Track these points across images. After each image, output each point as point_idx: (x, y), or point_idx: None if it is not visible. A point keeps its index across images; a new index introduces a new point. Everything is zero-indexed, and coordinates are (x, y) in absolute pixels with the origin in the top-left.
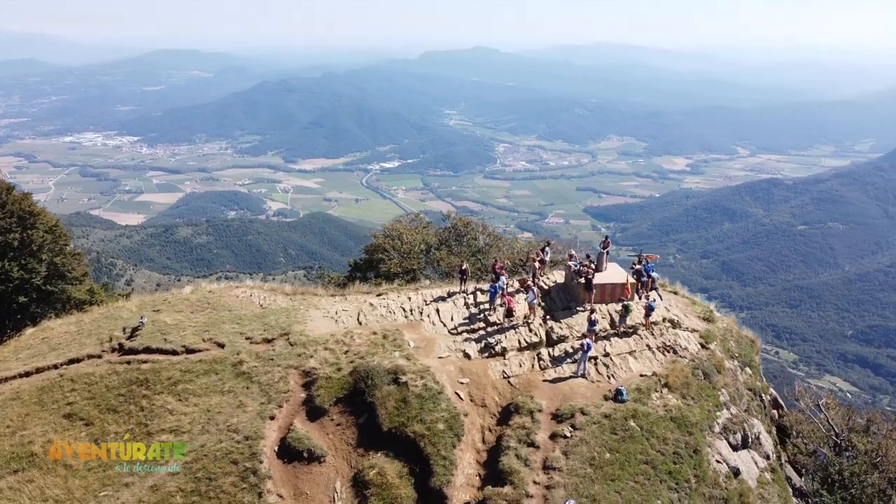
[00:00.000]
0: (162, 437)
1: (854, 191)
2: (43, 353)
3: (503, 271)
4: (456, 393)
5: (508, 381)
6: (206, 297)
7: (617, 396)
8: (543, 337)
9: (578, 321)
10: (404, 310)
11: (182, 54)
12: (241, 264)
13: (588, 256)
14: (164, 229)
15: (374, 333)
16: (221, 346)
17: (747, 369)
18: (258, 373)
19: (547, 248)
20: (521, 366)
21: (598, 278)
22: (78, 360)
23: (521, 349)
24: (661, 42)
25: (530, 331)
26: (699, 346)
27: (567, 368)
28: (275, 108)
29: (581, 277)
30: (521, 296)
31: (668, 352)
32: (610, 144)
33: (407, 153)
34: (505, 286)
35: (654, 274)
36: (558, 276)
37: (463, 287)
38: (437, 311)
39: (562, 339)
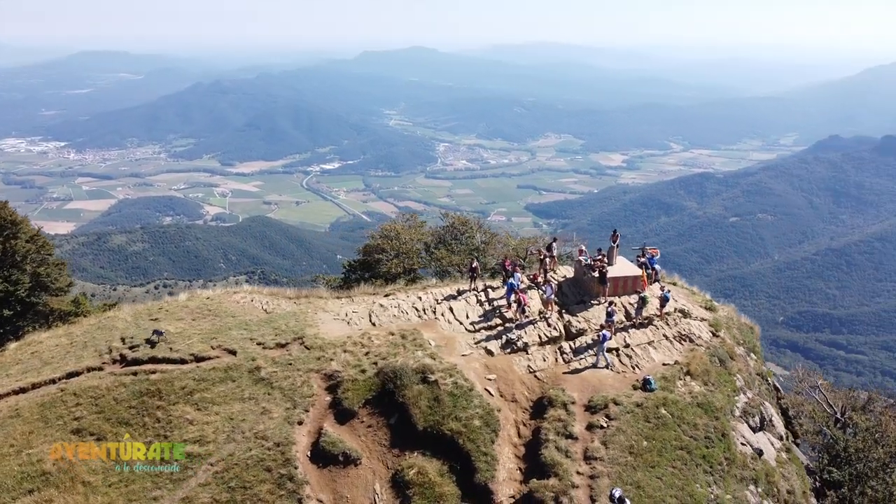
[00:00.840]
0: (186, 448)
1: (781, 183)
2: (36, 368)
3: (517, 268)
4: (486, 389)
5: (535, 376)
6: (205, 304)
7: (645, 386)
8: (562, 331)
9: (595, 314)
10: (416, 309)
11: (109, 56)
12: (180, 271)
13: (599, 251)
14: (96, 237)
15: (392, 334)
16: (233, 352)
17: (752, 354)
18: (278, 378)
19: (553, 245)
20: (544, 360)
21: (612, 272)
22: (77, 374)
23: (542, 344)
24: (597, 41)
25: (549, 325)
26: (710, 334)
27: (590, 360)
28: (209, 111)
29: (594, 271)
30: (533, 292)
31: (685, 341)
32: (548, 142)
33: (347, 154)
34: (519, 283)
35: (657, 266)
36: (564, 271)
37: (473, 285)
38: (451, 309)
39: (581, 332)
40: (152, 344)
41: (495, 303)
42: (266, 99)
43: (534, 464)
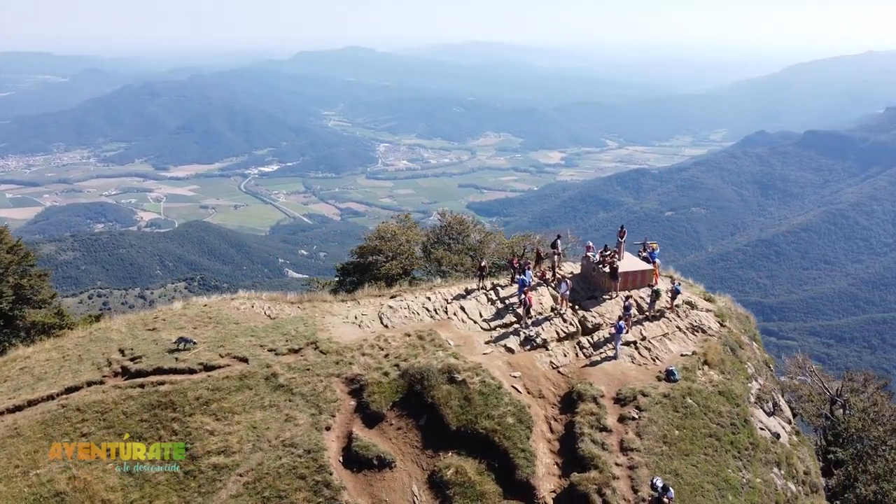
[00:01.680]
0: (211, 460)
1: (712, 177)
2: (29, 384)
3: (527, 265)
4: (513, 387)
5: (558, 371)
6: (204, 312)
7: (669, 376)
8: (579, 326)
9: (608, 309)
10: (427, 310)
11: (31, 57)
12: (114, 280)
13: (607, 247)
14: None
15: (408, 335)
16: (244, 360)
17: (753, 342)
18: (297, 384)
19: (558, 241)
20: (565, 355)
21: (622, 267)
22: (76, 389)
23: (560, 340)
24: (534, 41)
25: (564, 321)
26: (718, 325)
27: (610, 353)
28: (140, 114)
29: (605, 267)
30: (543, 289)
31: (698, 332)
32: (488, 141)
33: (286, 156)
34: (530, 281)
35: (657, 260)
36: (570, 268)
37: (482, 283)
38: (463, 308)
39: (596, 326)
40: (175, 353)
41: (506, 301)
42: (200, 101)
43: (571, 457)
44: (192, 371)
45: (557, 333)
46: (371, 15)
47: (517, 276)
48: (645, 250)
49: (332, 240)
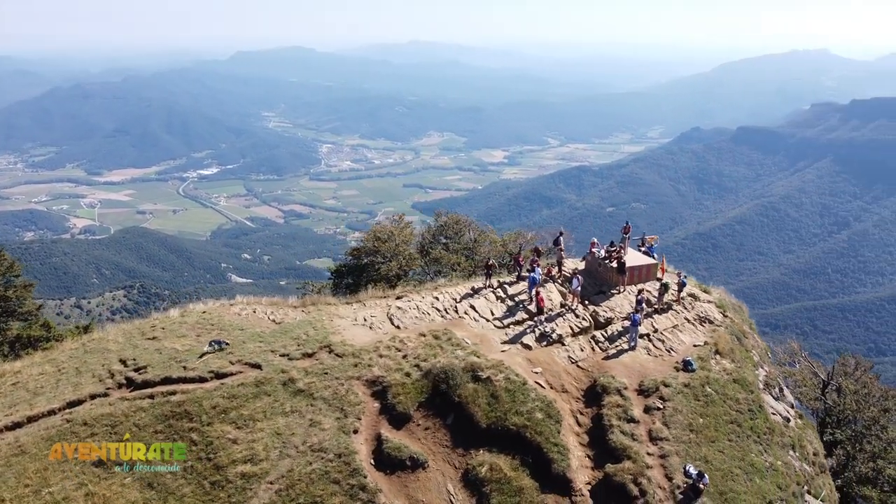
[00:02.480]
0: (238, 469)
1: (651, 173)
2: (25, 400)
3: (536, 263)
4: (536, 382)
5: (577, 365)
6: (204, 319)
7: (686, 367)
8: (592, 321)
9: (617, 303)
10: (437, 309)
11: None
12: (48, 290)
13: (612, 243)
14: None
15: (423, 335)
16: (257, 366)
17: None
18: (317, 388)
19: (560, 238)
20: (582, 350)
21: (629, 261)
22: (79, 402)
23: (574, 335)
24: (474, 40)
25: (577, 316)
26: (721, 315)
27: (625, 346)
28: (71, 117)
29: (611, 262)
30: (549, 286)
31: (705, 322)
32: (431, 141)
33: (226, 158)
34: (540, 278)
35: (655, 255)
36: (573, 264)
37: (489, 282)
38: (473, 307)
39: (608, 321)
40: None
41: (515, 298)
42: (135, 102)
43: (602, 449)
44: (202, 379)
45: (572, 329)
46: (311, 14)
47: (528, 274)
48: (644, 245)
49: (277, 243)
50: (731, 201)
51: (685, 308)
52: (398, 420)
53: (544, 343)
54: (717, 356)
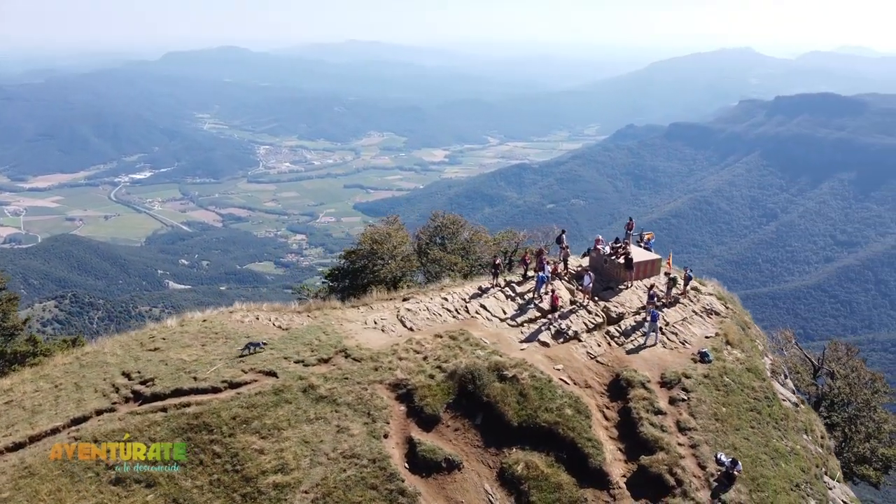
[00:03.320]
0: (269, 480)
1: (589, 170)
2: (24, 419)
3: (545, 261)
4: (560, 379)
5: (597, 361)
6: (207, 327)
7: (703, 358)
8: (604, 316)
9: (626, 298)
10: (448, 310)
11: None
12: None
13: (617, 239)
14: None
15: (439, 337)
16: (272, 374)
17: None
18: (339, 394)
19: (563, 236)
20: (598, 345)
21: (635, 257)
22: (84, 419)
23: (589, 330)
24: (413, 40)
25: (589, 313)
26: (724, 307)
27: (640, 340)
28: None
29: (618, 258)
30: (557, 282)
31: (711, 314)
32: (372, 141)
33: (159, 162)
34: (549, 276)
35: (652, 250)
36: (578, 261)
37: (496, 281)
38: (484, 306)
39: (620, 316)
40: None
41: (525, 296)
42: (62, 105)
43: (632, 442)
44: (216, 390)
45: (586, 325)
46: (243, 14)
47: (537, 273)
48: (642, 241)
49: (215, 247)
50: (666, 196)
51: (691, 301)
52: (427, 422)
53: (561, 340)
54: (728, 346)
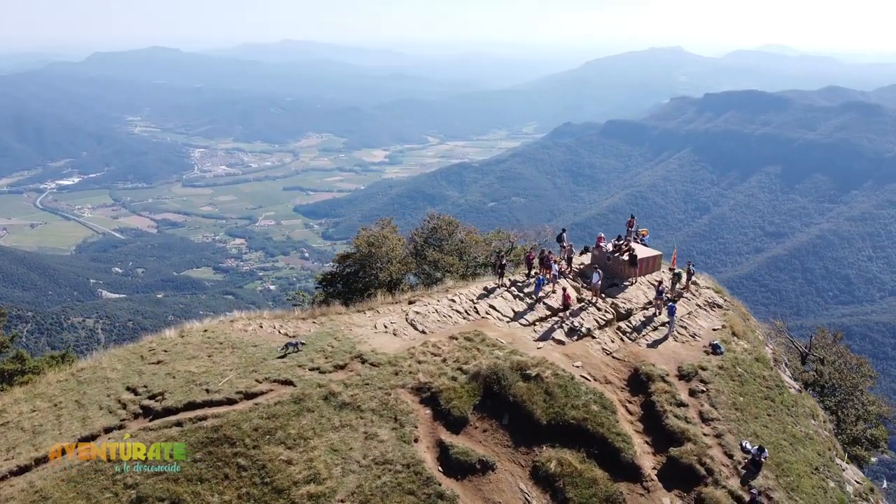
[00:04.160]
0: (301, 490)
1: (528, 168)
2: (26, 440)
3: (552, 260)
4: (581, 376)
5: (613, 357)
6: (211, 337)
7: (715, 350)
8: (614, 313)
9: (632, 294)
10: (457, 311)
11: None
12: None
13: (619, 237)
14: None
15: (454, 338)
16: (288, 383)
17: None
18: (362, 400)
19: (564, 235)
20: (612, 341)
21: (638, 254)
22: (93, 438)
23: (601, 327)
24: (350, 39)
25: (599, 310)
26: (723, 299)
27: (652, 335)
28: None
29: (622, 255)
30: (563, 281)
31: (714, 307)
32: (310, 142)
33: (88, 167)
34: (557, 275)
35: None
36: (580, 259)
37: (502, 280)
38: (493, 307)
39: (629, 311)
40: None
41: (533, 296)
42: None
43: (659, 434)
44: (231, 401)
45: (597, 322)
46: (172, 12)
47: (540, 276)
48: (639, 237)
49: (150, 254)
50: (604, 192)
51: (693, 295)
52: (455, 425)
53: (575, 338)
54: (735, 338)
